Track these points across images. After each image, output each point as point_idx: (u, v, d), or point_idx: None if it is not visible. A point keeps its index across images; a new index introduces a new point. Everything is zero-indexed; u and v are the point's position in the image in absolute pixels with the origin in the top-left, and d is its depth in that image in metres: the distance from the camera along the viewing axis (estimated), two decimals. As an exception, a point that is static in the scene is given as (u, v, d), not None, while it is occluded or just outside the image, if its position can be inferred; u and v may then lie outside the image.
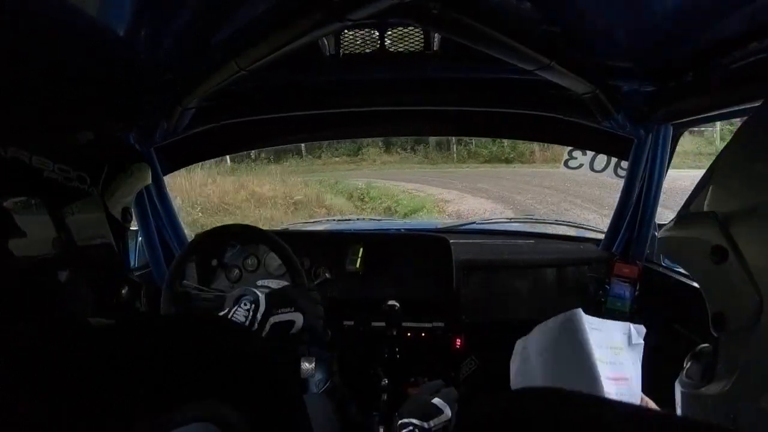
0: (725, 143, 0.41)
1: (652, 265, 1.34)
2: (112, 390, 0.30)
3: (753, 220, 0.34)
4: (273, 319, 0.87)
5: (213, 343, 0.37)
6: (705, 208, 0.39)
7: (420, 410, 0.74)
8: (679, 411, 0.45)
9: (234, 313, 0.85)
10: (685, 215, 0.43)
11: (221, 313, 0.86)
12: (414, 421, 0.71)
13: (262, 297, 0.88)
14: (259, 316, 0.85)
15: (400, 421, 0.72)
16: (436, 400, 0.75)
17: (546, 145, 7.75)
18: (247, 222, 1.34)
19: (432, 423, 0.72)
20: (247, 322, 0.84)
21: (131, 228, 1.47)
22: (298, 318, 0.91)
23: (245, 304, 0.86)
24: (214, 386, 0.34)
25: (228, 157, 7.35)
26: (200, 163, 4.67)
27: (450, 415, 0.74)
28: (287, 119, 1.38)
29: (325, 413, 1.04)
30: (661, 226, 1.39)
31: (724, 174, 0.38)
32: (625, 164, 1.38)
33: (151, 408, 0.31)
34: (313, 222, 2.31)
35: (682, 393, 0.45)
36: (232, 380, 0.35)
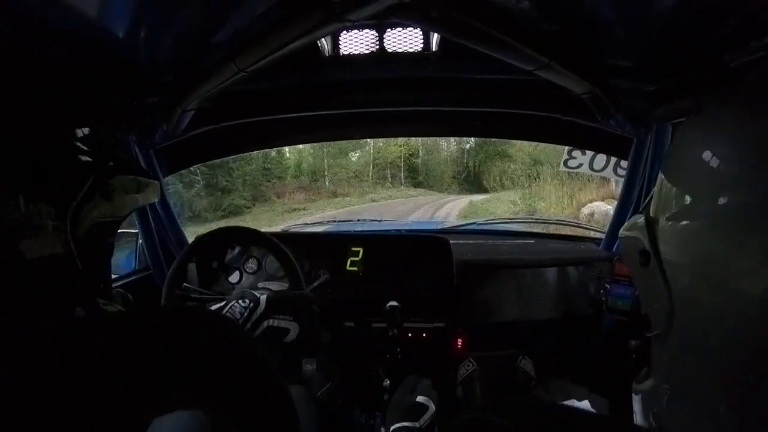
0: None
1: (653, 265, 1.34)
2: (100, 379, 0.30)
3: (672, 228, 0.35)
4: (267, 323, 0.86)
5: (201, 333, 0.37)
6: (649, 213, 0.40)
7: (408, 412, 0.74)
8: None
9: (230, 307, 0.85)
10: (632, 219, 0.44)
11: (217, 306, 0.86)
12: (406, 424, 0.72)
13: (263, 298, 0.87)
14: (255, 316, 0.85)
15: (392, 428, 0.72)
16: (419, 398, 0.76)
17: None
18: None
19: (422, 420, 0.73)
20: (242, 319, 0.83)
21: (132, 231, 1.47)
22: (294, 328, 0.90)
23: (244, 302, 0.85)
24: (201, 375, 0.35)
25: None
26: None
27: (434, 408, 0.75)
28: (286, 120, 1.38)
29: (323, 414, 1.04)
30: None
31: (662, 182, 0.39)
32: (624, 163, 1.38)
33: (139, 395, 0.31)
34: (314, 224, 2.31)
35: (633, 388, 0.46)
36: (219, 370, 0.36)
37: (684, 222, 0.34)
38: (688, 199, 0.34)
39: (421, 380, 0.82)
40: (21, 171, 0.45)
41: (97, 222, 0.55)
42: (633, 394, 0.45)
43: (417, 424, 0.72)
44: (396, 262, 1.38)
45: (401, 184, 17.81)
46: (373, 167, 17.63)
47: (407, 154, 18.19)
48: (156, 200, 0.85)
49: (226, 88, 1.05)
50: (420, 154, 18.78)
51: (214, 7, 0.85)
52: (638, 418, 0.44)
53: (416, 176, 18.43)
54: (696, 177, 0.34)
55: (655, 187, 0.41)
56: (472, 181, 18.03)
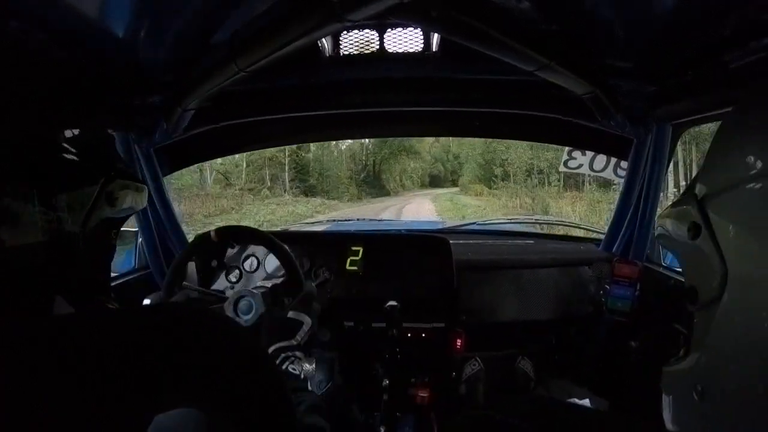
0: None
1: (653, 265, 1.34)
2: (99, 378, 0.30)
3: (725, 199, 0.37)
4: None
5: (201, 332, 0.37)
6: (695, 190, 0.41)
7: (281, 330, 0.72)
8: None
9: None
10: (677, 199, 0.45)
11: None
12: (282, 344, 0.69)
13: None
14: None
15: (270, 350, 0.69)
16: (291, 314, 0.73)
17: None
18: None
19: (298, 336, 0.70)
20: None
21: (131, 229, 1.47)
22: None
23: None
24: (201, 374, 0.35)
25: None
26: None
27: (311, 322, 0.72)
28: (287, 120, 1.38)
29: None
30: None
31: (712, 157, 0.41)
32: (624, 164, 1.38)
33: (139, 395, 0.31)
34: (314, 223, 2.32)
35: (663, 371, 0.46)
36: (219, 370, 0.36)
37: (734, 192, 0.35)
38: (740, 171, 0.35)
39: (305, 293, 0.79)
40: (20, 171, 0.45)
41: (99, 223, 0.55)
42: (667, 378, 0.45)
43: (293, 342, 0.69)
44: (396, 262, 1.38)
45: (286, 191, 12.36)
46: (247, 166, 12.13)
47: (294, 147, 11.95)
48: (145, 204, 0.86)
49: (226, 87, 1.05)
50: (311, 148, 12.90)
51: (214, 7, 0.85)
52: (675, 398, 0.44)
53: (307, 178, 13.29)
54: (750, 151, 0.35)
55: (700, 169, 0.42)
56: (371, 182, 14.94)
